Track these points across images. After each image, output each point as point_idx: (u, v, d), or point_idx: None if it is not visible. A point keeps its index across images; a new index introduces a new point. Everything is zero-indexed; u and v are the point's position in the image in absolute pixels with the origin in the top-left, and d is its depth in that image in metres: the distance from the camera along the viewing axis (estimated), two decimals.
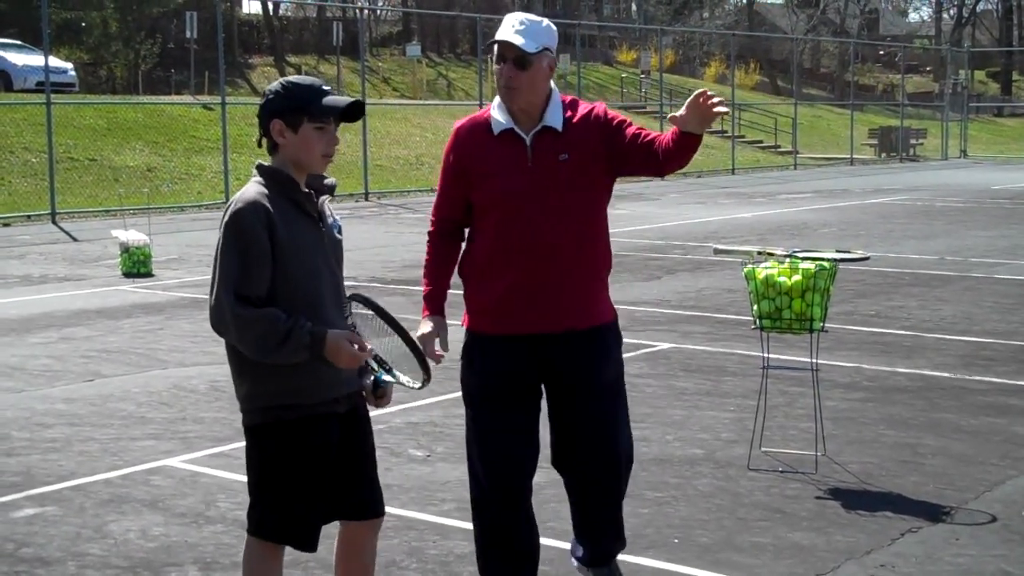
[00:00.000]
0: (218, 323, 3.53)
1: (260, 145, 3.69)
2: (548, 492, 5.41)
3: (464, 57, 48.51)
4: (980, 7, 75.19)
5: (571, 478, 4.29)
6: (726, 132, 37.77)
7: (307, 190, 3.66)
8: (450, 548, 5.00)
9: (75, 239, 17.67)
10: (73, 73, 29.77)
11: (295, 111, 3.58)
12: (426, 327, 4.12)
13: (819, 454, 6.19)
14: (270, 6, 49.11)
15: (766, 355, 6.33)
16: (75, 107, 26.37)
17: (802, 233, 17.41)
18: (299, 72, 37.53)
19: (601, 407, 4.17)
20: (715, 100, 3.78)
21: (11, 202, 21.39)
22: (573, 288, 4.11)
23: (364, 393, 3.76)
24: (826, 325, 6.13)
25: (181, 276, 13.42)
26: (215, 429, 6.92)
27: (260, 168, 3.65)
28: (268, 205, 3.54)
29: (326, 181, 3.75)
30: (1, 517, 5.44)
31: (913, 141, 42.86)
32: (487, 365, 4.16)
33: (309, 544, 3.71)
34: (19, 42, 31.02)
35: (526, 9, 49.01)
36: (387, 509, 5.40)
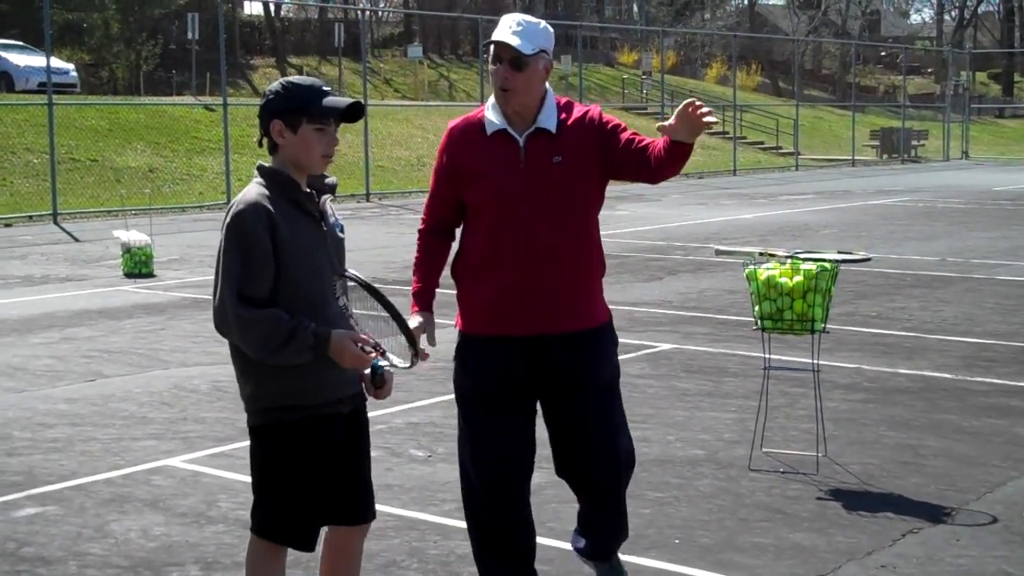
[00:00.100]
0: (221, 324, 3.54)
1: (261, 145, 3.69)
2: (548, 492, 5.42)
3: (465, 58, 48.53)
4: (981, 9, 75.23)
5: (572, 480, 4.28)
6: (727, 133, 37.78)
7: (308, 190, 3.66)
8: (451, 548, 5.00)
9: (77, 239, 17.68)
10: (75, 74, 29.82)
11: (295, 112, 3.58)
12: (413, 323, 4.08)
13: (820, 455, 6.19)
14: (272, 7, 49.14)
15: (767, 356, 6.33)
16: (77, 108, 26.39)
17: (803, 234, 17.41)
18: (301, 73, 37.52)
19: (599, 407, 4.17)
20: (704, 110, 3.75)
21: (13, 202, 21.40)
22: (567, 289, 4.10)
23: (363, 384, 3.74)
24: (827, 326, 6.12)
25: (183, 276, 13.42)
26: (216, 429, 6.92)
27: (261, 169, 3.65)
28: (269, 206, 3.54)
29: (327, 180, 3.75)
30: (2, 516, 5.45)
31: (915, 142, 42.87)
32: (480, 366, 4.16)
33: (308, 545, 3.71)
34: (21, 43, 31.06)
35: (527, 10, 49.06)
36: (388, 509, 5.44)
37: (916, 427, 6.90)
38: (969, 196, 25.20)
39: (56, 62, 25.80)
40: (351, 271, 3.58)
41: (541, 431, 4.23)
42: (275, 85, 3.64)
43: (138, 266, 13.43)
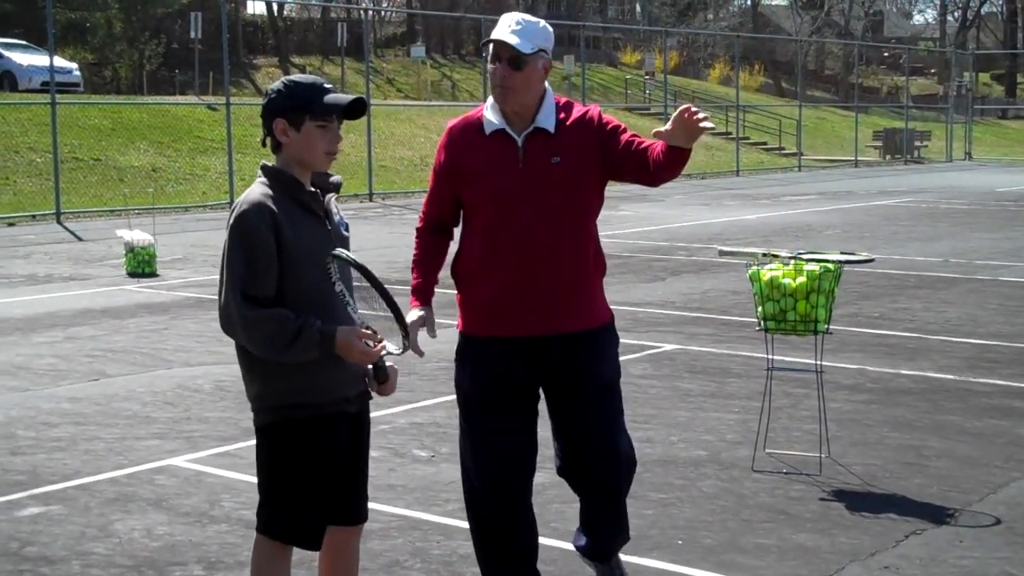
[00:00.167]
0: (227, 325, 3.54)
1: (264, 145, 3.69)
2: (551, 492, 5.42)
3: (468, 58, 48.54)
4: (985, 10, 75.20)
5: (573, 480, 4.29)
6: (730, 134, 37.77)
7: (312, 189, 3.66)
8: (454, 548, 5.00)
9: (80, 239, 17.69)
10: (78, 73, 29.86)
11: (297, 110, 3.58)
12: (412, 316, 4.05)
13: (823, 456, 6.19)
14: (274, 7, 49.17)
15: (770, 357, 6.33)
16: (80, 107, 26.41)
17: (807, 235, 17.41)
18: (303, 73, 37.55)
19: (599, 407, 4.16)
20: (700, 116, 3.73)
21: (16, 202, 21.42)
22: (566, 290, 4.09)
23: (367, 380, 3.73)
24: (830, 327, 6.12)
25: (186, 276, 13.43)
26: (220, 429, 6.92)
27: (264, 168, 3.66)
28: (273, 206, 3.54)
29: (331, 179, 3.75)
30: (6, 516, 5.45)
31: (917, 143, 42.85)
32: (480, 367, 4.15)
33: (316, 544, 3.71)
34: (24, 42, 31.11)
35: (529, 10, 49.04)
36: (391, 509, 5.44)
37: (919, 428, 6.90)
38: (972, 197, 25.19)
39: (59, 61, 25.81)
40: (342, 251, 3.53)
41: (544, 431, 4.23)
42: (276, 84, 3.64)
43: (141, 265, 13.44)
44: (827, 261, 6.12)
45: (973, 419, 7.09)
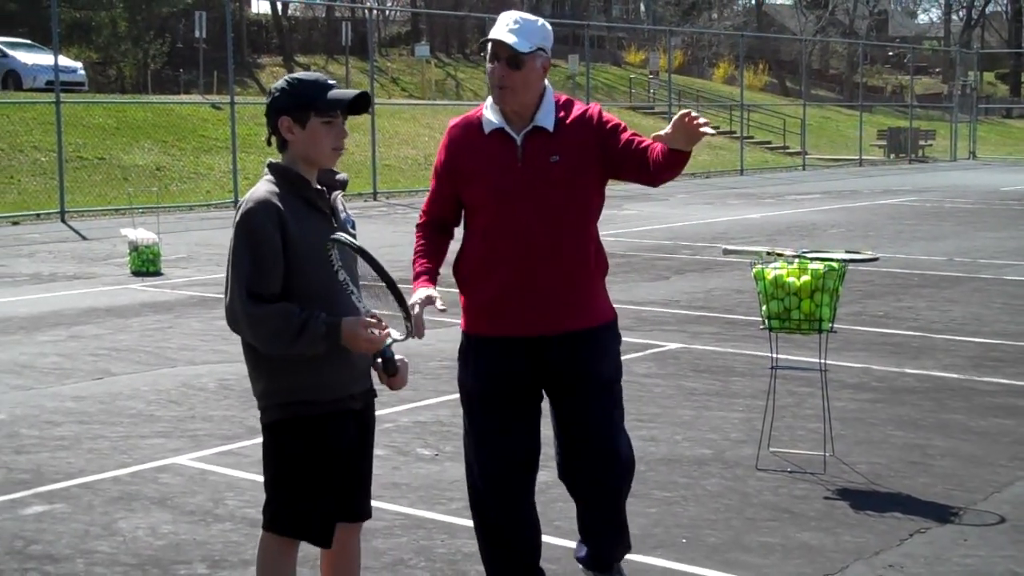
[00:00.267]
0: (232, 322, 3.55)
1: (270, 143, 3.69)
2: (556, 491, 5.40)
3: (472, 57, 48.54)
4: (989, 9, 75.11)
5: (572, 481, 4.28)
6: (734, 133, 37.76)
7: (319, 187, 3.66)
8: (458, 547, 5.00)
9: (84, 238, 17.71)
10: (82, 72, 29.89)
11: (302, 107, 3.58)
12: (419, 294, 3.95)
13: (828, 454, 6.18)
14: (279, 6, 49.20)
15: (775, 355, 6.32)
16: (84, 106, 26.43)
17: (811, 234, 17.39)
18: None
19: (599, 407, 4.15)
20: (700, 121, 3.72)
21: (21, 201, 21.44)
22: (566, 289, 4.08)
23: (376, 372, 3.71)
24: (835, 326, 6.11)
25: (190, 275, 13.44)
26: (224, 427, 6.93)
27: (271, 166, 3.66)
28: (279, 203, 3.54)
29: (338, 176, 3.75)
30: (10, 514, 5.46)
31: (922, 142, 42.84)
32: (482, 366, 4.15)
33: (327, 540, 3.71)
34: (29, 41, 31.16)
35: (533, 10, 49.04)
36: (396, 508, 5.44)
37: (924, 427, 6.89)
38: (976, 196, 25.17)
39: (64, 60, 25.85)
40: (341, 234, 3.51)
41: (547, 430, 4.23)
42: (280, 83, 3.64)
43: (145, 264, 13.46)
44: (831, 260, 6.11)
45: (978, 418, 7.08)
